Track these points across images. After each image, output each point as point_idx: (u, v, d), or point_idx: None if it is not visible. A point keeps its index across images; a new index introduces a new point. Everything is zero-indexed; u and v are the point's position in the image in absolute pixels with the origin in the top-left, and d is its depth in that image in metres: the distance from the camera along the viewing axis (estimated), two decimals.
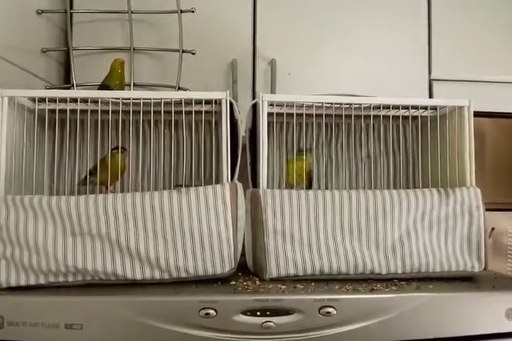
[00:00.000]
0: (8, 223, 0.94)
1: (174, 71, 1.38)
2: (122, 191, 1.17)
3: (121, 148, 1.10)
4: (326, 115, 1.13)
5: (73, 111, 1.04)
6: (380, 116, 1.19)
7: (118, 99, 1.04)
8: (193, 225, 0.95)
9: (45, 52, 1.34)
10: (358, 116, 1.15)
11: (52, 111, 1.04)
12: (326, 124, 1.23)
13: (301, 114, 1.10)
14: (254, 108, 1.14)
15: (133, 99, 1.04)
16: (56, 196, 0.95)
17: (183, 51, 1.39)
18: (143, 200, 0.95)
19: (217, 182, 1.01)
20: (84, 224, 0.94)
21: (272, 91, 1.42)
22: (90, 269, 0.94)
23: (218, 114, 1.06)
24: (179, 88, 1.36)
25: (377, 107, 1.16)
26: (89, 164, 1.13)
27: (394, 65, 1.50)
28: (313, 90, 1.25)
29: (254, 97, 1.45)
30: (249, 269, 1.05)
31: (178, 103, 1.06)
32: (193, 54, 1.38)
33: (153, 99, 1.04)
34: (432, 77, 1.52)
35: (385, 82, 1.46)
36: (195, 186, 0.99)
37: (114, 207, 0.94)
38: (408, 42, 1.51)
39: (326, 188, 1.25)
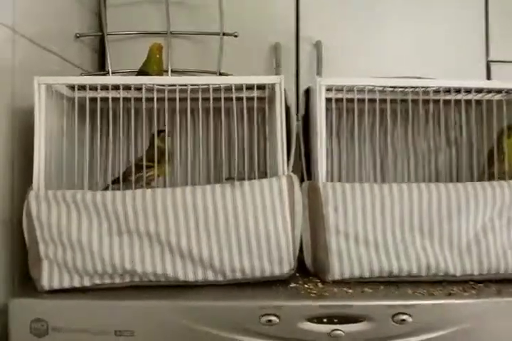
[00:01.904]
0: (49, 220, 0.87)
1: (212, 56, 1.30)
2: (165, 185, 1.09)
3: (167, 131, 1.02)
4: (382, 100, 1.03)
5: (114, 100, 0.96)
6: (439, 100, 1.08)
7: (163, 85, 0.96)
8: (248, 222, 0.87)
9: (78, 37, 1.27)
10: (414, 101, 1.04)
11: (92, 100, 0.96)
12: (382, 110, 1.13)
13: (359, 100, 1.00)
14: (307, 93, 1.05)
15: (179, 85, 0.95)
16: (101, 191, 0.88)
17: (224, 34, 1.30)
18: (194, 195, 0.87)
19: (266, 175, 0.92)
20: (131, 221, 0.86)
21: (318, 75, 1.33)
22: (139, 270, 0.86)
23: (267, 100, 0.97)
24: (220, 74, 1.28)
25: (436, 91, 1.05)
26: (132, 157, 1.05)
27: (448, 46, 1.38)
28: (362, 74, 1.15)
29: (297, 82, 1.36)
30: (307, 269, 0.96)
31: (219, 89, 0.96)
32: (236, 36, 1.29)
33: (201, 84, 0.95)
34: (489, 59, 1.40)
35: (438, 65, 1.34)
36: (248, 179, 0.91)
37: (163, 202, 0.86)
38: (464, 22, 1.39)
39: (383, 181, 1.15)
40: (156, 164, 0.95)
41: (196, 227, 0.87)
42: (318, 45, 1.34)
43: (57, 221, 0.87)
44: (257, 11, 1.37)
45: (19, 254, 0.94)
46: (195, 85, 0.95)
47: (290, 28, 1.38)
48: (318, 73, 1.33)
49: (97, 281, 0.87)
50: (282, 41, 1.35)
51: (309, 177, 1.01)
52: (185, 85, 0.95)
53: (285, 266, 0.88)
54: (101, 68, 1.38)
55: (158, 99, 0.95)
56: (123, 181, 0.96)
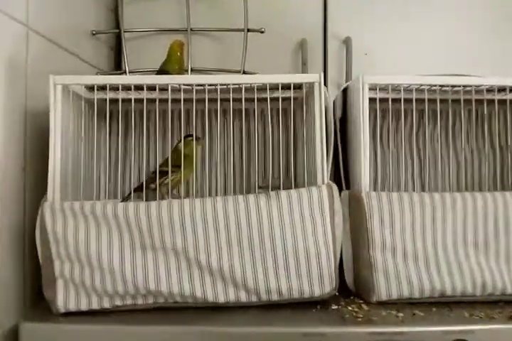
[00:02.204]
0: (66, 235, 0.79)
1: (234, 54, 1.21)
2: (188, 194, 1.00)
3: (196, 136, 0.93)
4: (420, 100, 0.93)
5: (136, 102, 0.87)
6: (483, 100, 0.99)
7: (191, 85, 0.87)
8: (285, 236, 0.78)
9: (94, 34, 1.19)
10: (455, 102, 0.95)
11: (111, 102, 0.88)
12: (421, 112, 1.04)
13: (403, 100, 0.91)
14: (345, 93, 0.96)
15: (208, 85, 0.86)
16: (122, 202, 0.79)
17: (249, 30, 1.21)
18: (225, 206, 0.78)
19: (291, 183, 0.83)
20: (156, 236, 0.78)
21: (348, 73, 1.24)
22: (164, 290, 0.78)
23: (300, 100, 0.89)
24: (244, 72, 1.19)
25: (489, 90, 0.95)
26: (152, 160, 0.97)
27: (486, 41, 1.28)
28: (395, 72, 1.06)
29: (325, 81, 1.27)
30: (347, 288, 0.87)
31: (248, 89, 0.88)
32: (262, 32, 1.20)
33: (233, 84, 0.86)
34: None
35: (473, 64, 1.24)
36: (283, 188, 0.82)
37: (191, 214, 0.78)
38: (503, 13, 1.29)
39: (422, 189, 1.06)
40: (182, 167, 0.86)
41: (228, 242, 0.78)
42: (347, 42, 1.25)
43: (75, 235, 0.79)
44: (282, 6, 1.28)
45: (31, 272, 0.85)
46: (224, 85, 0.87)
47: (317, 23, 1.28)
48: (348, 72, 1.24)
49: (118, 303, 0.79)
50: (309, 37, 1.25)
51: (347, 186, 0.92)
52: (215, 85, 0.86)
53: (326, 286, 0.79)
54: (117, 67, 1.29)
55: (184, 100, 0.86)
56: (146, 189, 0.88)
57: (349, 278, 0.87)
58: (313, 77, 0.84)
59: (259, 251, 0.78)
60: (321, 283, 0.79)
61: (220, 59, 1.26)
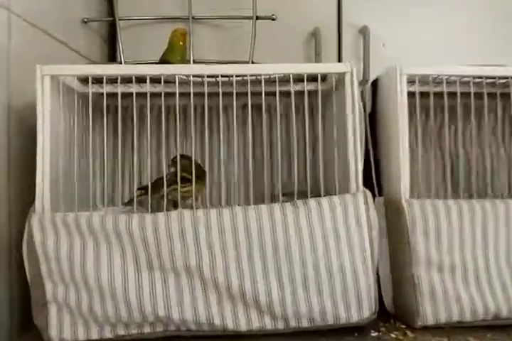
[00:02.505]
0: (58, 251, 0.67)
1: (239, 44, 1.10)
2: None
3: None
4: (452, 94, 0.82)
5: (134, 96, 0.75)
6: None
7: (202, 76, 0.75)
8: (317, 253, 0.67)
9: (86, 22, 1.07)
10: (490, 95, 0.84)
11: (108, 96, 0.76)
12: (453, 107, 0.93)
13: (432, 94, 0.80)
14: (374, 86, 0.85)
15: (222, 76, 0.74)
16: (125, 214, 0.67)
17: (258, 18, 1.10)
18: (246, 218, 0.67)
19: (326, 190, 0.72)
20: (165, 253, 0.66)
21: (366, 65, 1.13)
22: (176, 317, 0.66)
23: (321, 94, 0.78)
24: (252, 63, 1.07)
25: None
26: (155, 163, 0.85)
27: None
28: (416, 64, 0.95)
29: None
30: (385, 310, 0.76)
31: (269, 81, 0.76)
32: (273, 19, 1.09)
33: (251, 75, 0.75)
34: None
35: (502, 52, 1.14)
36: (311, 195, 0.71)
37: (206, 227, 0.66)
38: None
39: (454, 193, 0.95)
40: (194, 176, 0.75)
41: (250, 260, 0.66)
42: (364, 31, 1.15)
43: (69, 252, 0.67)
44: None
45: (20, 294, 0.74)
46: (240, 76, 0.75)
47: (331, 11, 1.17)
48: (365, 64, 1.14)
49: (121, 332, 0.67)
50: (322, 26, 1.14)
51: (380, 193, 0.81)
52: (230, 76, 0.74)
53: (365, 309, 0.68)
54: (111, 59, 1.17)
55: (193, 94, 0.75)
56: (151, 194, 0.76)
57: (388, 300, 0.75)
58: (344, 66, 0.73)
59: (286, 271, 0.67)
60: (360, 307, 0.68)
61: (224, 50, 1.15)
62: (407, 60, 1.12)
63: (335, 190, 0.73)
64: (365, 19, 1.17)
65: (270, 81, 0.76)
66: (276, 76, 0.75)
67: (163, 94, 0.75)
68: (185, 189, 0.77)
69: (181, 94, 0.75)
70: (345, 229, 0.68)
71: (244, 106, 0.81)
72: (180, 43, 0.96)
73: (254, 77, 0.75)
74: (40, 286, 0.67)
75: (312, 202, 0.68)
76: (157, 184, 0.78)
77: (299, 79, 0.76)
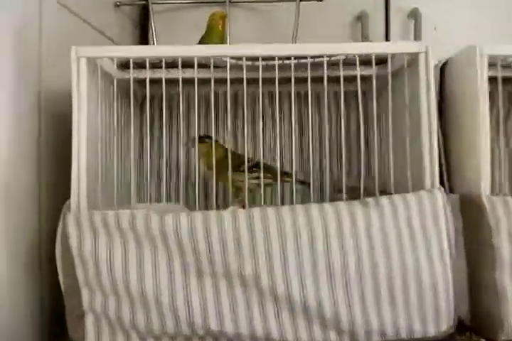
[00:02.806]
0: (96, 256, 0.59)
1: (279, 29, 1.04)
2: None
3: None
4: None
5: (181, 82, 0.67)
6: None
7: (271, 57, 0.66)
8: (390, 259, 0.59)
9: (118, 6, 1.00)
10: None
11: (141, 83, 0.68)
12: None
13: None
14: (442, 71, 0.76)
15: (280, 57, 0.66)
16: (171, 213, 0.60)
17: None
18: (309, 219, 0.59)
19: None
20: (217, 258, 0.58)
21: None
22: (229, 331, 0.58)
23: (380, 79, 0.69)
24: None
25: None
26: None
27: None
28: None
29: None
30: (460, 321, 0.67)
31: (336, 64, 0.68)
32: (320, 0, 1.01)
33: (328, 55, 0.66)
34: None
35: None
36: (380, 192, 0.62)
37: (265, 230, 0.58)
38: None
39: None
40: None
41: (313, 267, 0.58)
42: (415, 14, 1.06)
43: (109, 257, 0.59)
44: None
45: (51, 304, 0.67)
46: (315, 57, 0.66)
47: None
48: (417, 31, 1.05)
49: None
50: (369, 9, 1.07)
51: (450, 190, 0.72)
52: (304, 58, 0.66)
53: (443, 323, 0.60)
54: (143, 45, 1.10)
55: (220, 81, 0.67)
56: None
57: (463, 309, 0.67)
58: (418, 46, 0.64)
59: (355, 279, 0.58)
60: (437, 320, 0.59)
61: (263, 35, 1.07)
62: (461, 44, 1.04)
63: (408, 188, 0.64)
64: (413, 2, 1.09)
65: (330, 63, 0.68)
66: (341, 58, 0.66)
67: (212, 80, 0.66)
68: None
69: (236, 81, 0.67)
70: (422, 231, 0.59)
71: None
72: (219, 27, 0.89)
73: (308, 60, 0.67)
74: (75, 294, 0.60)
75: (384, 199, 0.60)
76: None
77: (350, 63, 0.68)
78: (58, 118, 0.71)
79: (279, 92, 0.66)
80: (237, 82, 0.66)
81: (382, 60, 0.70)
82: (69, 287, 0.61)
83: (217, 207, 0.63)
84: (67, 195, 0.63)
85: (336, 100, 0.90)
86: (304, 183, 0.75)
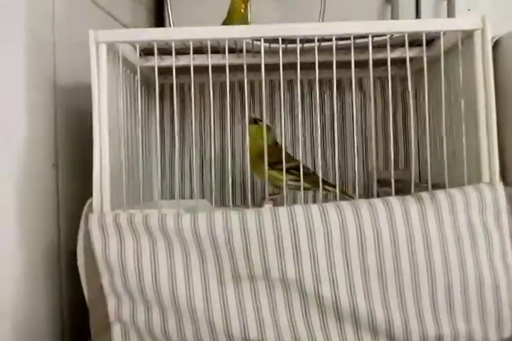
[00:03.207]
0: (123, 261, 0.54)
1: (303, 12, 0.96)
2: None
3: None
4: None
5: (211, 69, 0.62)
6: None
7: (328, 37, 0.60)
8: (449, 260, 0.53)
9: None
10: None
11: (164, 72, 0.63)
12: None
13: None
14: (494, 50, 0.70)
15: (312, 39, 0.60)
16: (205, 212, 0.54)
17: None
18: (357, 216, 0.53)
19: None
20: (256, 260, 0.53)
21: None
22: (271, 339, 0.53)
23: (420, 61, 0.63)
24: None
25: None
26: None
27: None
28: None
29: None
30: None
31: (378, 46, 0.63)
32: None
33: (355, 37, 0.60)
34: None
35: None
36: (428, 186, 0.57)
37: (308, 228, 0.53)
38: None
39: None
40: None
41: (363, 270, 0.53)
42: None
43: (137, 261, 0.54)
44: None
45: (73, 315, 0.62)
46: (358, 37, 0.61)
47: None
48: (450, 12, 1.00)
49: None
50: None
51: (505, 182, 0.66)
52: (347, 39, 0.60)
53: (506, 328, 0.54)
54: None
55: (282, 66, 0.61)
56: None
57: None
58: (474, 22, 0.57)
59: (410, 283, 0.52)
60: (499, 326, 0.53)
61: (287, 19, 1.01)
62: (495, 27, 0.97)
63: (464, 181, 0.59)
64: None
65: (362, 46, 0.62)
66: (388, 37, 0.60)
67: (245, 67, 0.60)
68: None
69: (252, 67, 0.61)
70: (482, 229, 0.54)
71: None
72: (242, 10, 0.83)
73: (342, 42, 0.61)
74: (101, 304, 0.55)
75: (441, 194, 0.54)
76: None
77: (381, 44, 0.62)
78: (75, 113, 0.66)
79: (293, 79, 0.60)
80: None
81: (418, 41, 0.64)
82: (93, 296, 0.56)
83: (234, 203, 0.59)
84: (86, 193, 0.58)
85: (360, 87, 0.84)
86: (346, 194, 0.70)
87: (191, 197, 0.82)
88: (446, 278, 0.53)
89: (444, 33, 0.61)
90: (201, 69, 0.63)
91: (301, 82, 0.81)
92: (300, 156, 0.60)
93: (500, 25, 0.96)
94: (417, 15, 1.03)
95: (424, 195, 0.54)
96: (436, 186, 0.59)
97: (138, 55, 0.62)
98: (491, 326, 0.54)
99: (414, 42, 0.66)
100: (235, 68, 0.64)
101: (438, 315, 0.53)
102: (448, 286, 0.53)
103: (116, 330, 0.55)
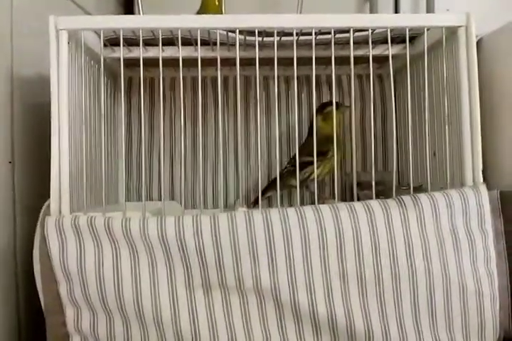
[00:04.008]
0: (83, 267, 0.50)
1: (280, 5, 0.93)
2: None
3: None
4: None
5: (181, 61, 0.57)
6: None
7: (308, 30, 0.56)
8: (431, 266, 0.50)
9: None
10: None
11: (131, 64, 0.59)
12: None
13: None
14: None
15: (302, 30, 0.57)
16: (173, 216, 0.50)
17: None
18: (336, 219, 0.50)
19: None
20: (228, 267, 0.49)
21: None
22: None
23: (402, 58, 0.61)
24: None
25: None
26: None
27: None
28: None
29: None
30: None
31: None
32: None
33: (340, 29, 0.57)
34: None
35: None
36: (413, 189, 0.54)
37: (284, 233, 0.49)
38: None
39: None
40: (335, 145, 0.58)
41: (342, 277, 0.50)
42: None
43: (97, 268, 0.50)
44: None
45: (29, 324, 0.57)
46: (340, 32, 0.57)
47: None
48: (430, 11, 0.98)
49: None
50: None
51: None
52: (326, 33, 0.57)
53: (488, 336, 0.52)
54: None
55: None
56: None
57: (505, 320, 0.59)
58: (458, 18, 0.55)
59: (390, 290, 0.50)
60: (481, 334, 0.51)
61: (261, 6, 0.96)
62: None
63: (451, 184, 0.56)
64: None
65: (342, 42, 0.59)
66: (369, 33, 0.57)
67: (219, 60, 0.56)
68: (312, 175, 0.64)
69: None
70: (466, 233, 0.51)
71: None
72: (216, 3, 0.80)
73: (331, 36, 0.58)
74: (58, 313, 0.51)
75: (423, 197, 0.51)
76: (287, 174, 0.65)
77: (362, 41, 0.60)
78: (34, 106, 0.61)
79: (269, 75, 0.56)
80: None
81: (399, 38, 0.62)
82: (50, 305, 0.51)
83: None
84: (45, 193, 0.53)
85: (338, 84, 0.81)
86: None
87: (160, 199, 0.77)
88: (428, 285, 0.50)
89: (428, 29, 0.58)
90: (172, 63, 0.59)
91: (278, 78, 0.78)
92: (277, 155, 0.56)
93: (478, 25, 0.95)
94: (396, 12, 1.01)
95: (407, 198, 0.52)
96: (417, 189, 0.56)
97: (102, 43, 0.57)
98: (474, 334, 0.51)
99: (395, 39, 0.63)
100: (209, 62, 0.60)
101: (419, 323, 0.50)
102: (430, 293, 0.50)
103: None
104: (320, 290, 0.49)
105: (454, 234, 0.51)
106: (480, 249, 0.52)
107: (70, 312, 0.50)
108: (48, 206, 0.53)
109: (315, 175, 0.61)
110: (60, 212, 0.52)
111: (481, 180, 0.54)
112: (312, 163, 0.60)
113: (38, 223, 0.53)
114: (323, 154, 0.64)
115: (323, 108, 0.69)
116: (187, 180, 0.77)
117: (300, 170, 0.59)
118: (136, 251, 0.50)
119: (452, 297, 0.50)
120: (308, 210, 0.50)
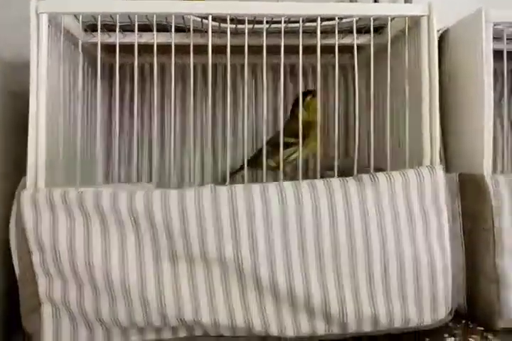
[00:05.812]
0: (55, 239, 0.52)
1: None
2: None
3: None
4: None
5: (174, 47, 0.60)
6: None
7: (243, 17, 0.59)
8: (385, 240, 0.53)
9: None
10: None
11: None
12: None
13: None
14: (440, 42, 0.71)
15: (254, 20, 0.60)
16: (142, 191, 0.53)
17: None
18: (298, 196, 0.53)
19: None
20: (193, 239, 0.52)
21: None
22: (206, 321, 0.52)
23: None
24: None
25: None
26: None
27: None
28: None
29: None
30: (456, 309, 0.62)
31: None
32: None
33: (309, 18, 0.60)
34: None
35: None
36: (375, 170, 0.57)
37: (248, 208, 0.52)
38: None
39: None
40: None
41: (301, 250, 0.52)
42: None
43: (69, 239, 0.52)
44: None
45: (6, 293, 0.59)
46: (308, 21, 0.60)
47: None
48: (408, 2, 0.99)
49: (134, 338, 0.53)
50: None
51: (447, 168, 0.67)
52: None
53: (440, 310, 0.55)
54: None
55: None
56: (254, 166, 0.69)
57: (459, 297, 0.62)
58: (420, 8, 0.58)
59: (347, 263, 0.53)
60: (434, 307, 0.54)
61: None
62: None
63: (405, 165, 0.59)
64: None
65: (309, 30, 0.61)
66: (336, 22, 0.59)
67: (192, 46, 0.59)
68: (294, 155, 0.69)
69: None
70: (421, 210, 0.54)
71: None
72: None
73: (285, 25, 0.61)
74: (31, 282, 0.53)
75: (381, 176, 0.54)
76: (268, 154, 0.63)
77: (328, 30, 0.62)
78: (13, 88, 0.63)
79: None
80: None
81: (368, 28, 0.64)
82: (24, 275, 0.53)
83: None
84: (21, 172, 0.55)
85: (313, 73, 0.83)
86: None
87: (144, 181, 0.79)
88: (382, 258, 0.53)
89: (392, 19, 0.61)
90: (151, 49, 0.62)
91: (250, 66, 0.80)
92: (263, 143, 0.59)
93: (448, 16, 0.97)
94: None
95: (365, 176, 0.55)
96: (378, 170, 0.59)
97: (81, 28, 0.60)
98: (426, 307, 0.54)
99: (363, 29, 0.66)
100: (185, 49, 0.63)
101: (374, 294, 0.53)
102: (384, 266, 0.53)
103: (47, 310, 0.53)
104: (280, 264, 0.52)
105: (409, 211, 0.54)
106: (434, 225, 0.54)
107: (42, 282, 0.53)
108: (24, 183, 0.55)
109: (299, 154, 0.64)
110: (35, 186, 0.54)
111: (438, 161, 0.57)
112: (290, 145, 0.65)
113: (15, 197, 0.55)
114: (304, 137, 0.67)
115: (304, 95, 0.72)
116: (176, 162, 0.80)
117: (277, 151, 0.62)
118: (107, 224, 0.52)
119: (406, 270, 0.53)
120: (271, 186, 0.53)
